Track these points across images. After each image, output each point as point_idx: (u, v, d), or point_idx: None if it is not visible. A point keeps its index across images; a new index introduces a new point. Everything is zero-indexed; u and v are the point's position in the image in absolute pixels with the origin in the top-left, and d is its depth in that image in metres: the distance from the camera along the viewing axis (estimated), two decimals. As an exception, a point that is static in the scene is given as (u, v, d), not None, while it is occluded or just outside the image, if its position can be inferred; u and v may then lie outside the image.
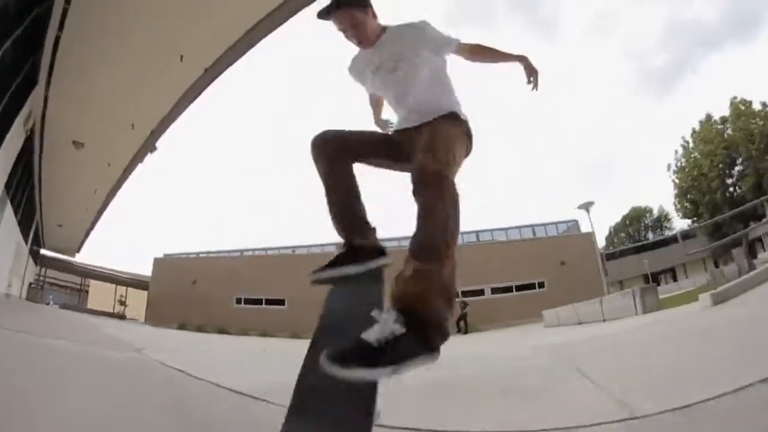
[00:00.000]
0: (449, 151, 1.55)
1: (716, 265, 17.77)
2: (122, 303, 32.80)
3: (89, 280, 34.57)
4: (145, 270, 29.95)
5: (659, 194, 77.42)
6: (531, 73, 1.84)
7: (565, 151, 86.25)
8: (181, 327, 18.80)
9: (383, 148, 1.84)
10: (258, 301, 24.00)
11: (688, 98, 79.33)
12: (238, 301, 24.26)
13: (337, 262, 1.62)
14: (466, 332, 15.53)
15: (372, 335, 1.18)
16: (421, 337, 1.21)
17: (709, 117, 20.24)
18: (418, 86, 1.80)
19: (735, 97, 19.24)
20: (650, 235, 46.03)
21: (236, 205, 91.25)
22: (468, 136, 1.77)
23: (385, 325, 1.20)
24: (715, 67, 75.38)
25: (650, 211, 47.05)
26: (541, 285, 23.45)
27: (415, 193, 1.40)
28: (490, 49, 1.90)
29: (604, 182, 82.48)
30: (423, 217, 1.37)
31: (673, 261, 31.34)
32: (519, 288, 23.71)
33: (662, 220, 45.72)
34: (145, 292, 29.14)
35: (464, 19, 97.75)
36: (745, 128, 18.70)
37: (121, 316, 27.44)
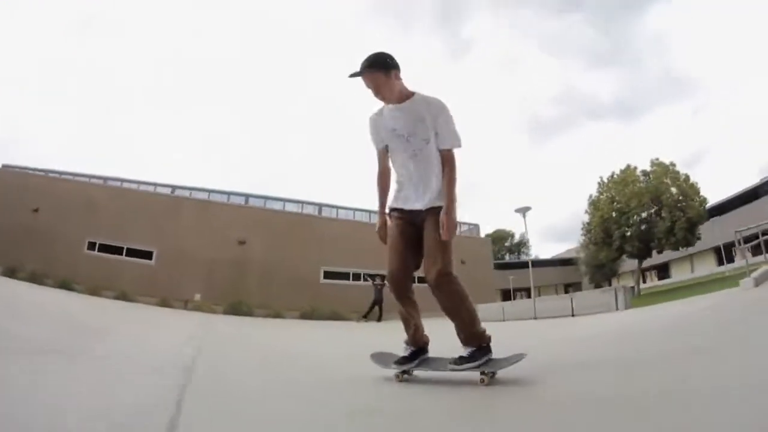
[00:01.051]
0: (446, 251, 2.25)
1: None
2: None
3: None
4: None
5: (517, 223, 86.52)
6: (443, 221, 2.23)
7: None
8: (9, 273, 13.38)
9: (410, 246, 2.37)
10: (118, 250, 17.56)
11: (561, 150, 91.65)
12: (92, 246, 17.38)
13: (409, 360, 2.41)
14: (380, 319, 13.59)
15: (463, 353, 2.23)
16: (480, 351, 2.22)
17: (629, 166, 23.57)
18: (432, 176, 2.29)
19: (656, 158, 23.12)
20: (507, 256, 53.77)
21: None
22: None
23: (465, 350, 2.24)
24: (593, 134, 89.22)
25: (512, 235, 55.68)
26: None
27: (433, 292, 2.25)
28: (451, 179, 2.27)
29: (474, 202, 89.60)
30: (449, 314, 2.28)
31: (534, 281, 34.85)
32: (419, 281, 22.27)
33: (521, 245, 53.63)
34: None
35: (386, 11, 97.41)
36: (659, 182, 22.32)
37: None
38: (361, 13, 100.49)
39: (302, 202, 26.36)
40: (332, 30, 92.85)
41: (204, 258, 17.89)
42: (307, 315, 16.10)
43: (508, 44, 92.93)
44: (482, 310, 13.77)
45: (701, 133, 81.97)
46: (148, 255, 17.78)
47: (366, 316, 13.90)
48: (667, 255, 26.01)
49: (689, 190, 21.65)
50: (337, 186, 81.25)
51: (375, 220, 2.70)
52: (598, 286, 32.38)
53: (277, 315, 15.71)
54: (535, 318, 11.88)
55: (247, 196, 26.13)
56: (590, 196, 24.50)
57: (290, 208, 25.05)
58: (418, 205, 2.31)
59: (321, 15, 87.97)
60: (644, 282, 32.65)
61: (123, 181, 24.15)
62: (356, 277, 20.46)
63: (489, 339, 2.26)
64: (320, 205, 26.62)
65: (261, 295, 17.09)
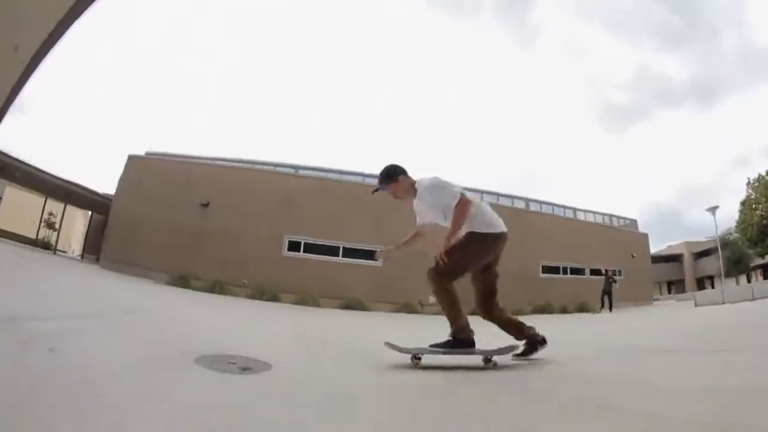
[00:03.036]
0: (449, 258, 2.84)
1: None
2: (51, 226, 23.59)
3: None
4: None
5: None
6: (444, 246, 2.91)
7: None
8: (180, 282, 12.73)
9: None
10: (331, 250, 15.15)
11: (637, 140, 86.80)
12: (294, 246, 15.14)
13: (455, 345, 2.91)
14: (611, 309, 15.57)
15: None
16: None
17: None
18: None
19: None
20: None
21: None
22: (481, 239, 2.96)
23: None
24: (669, 122, 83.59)
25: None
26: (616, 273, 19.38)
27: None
28: (454, 220, 2.93)
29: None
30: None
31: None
32: (593, 272, 20.15)
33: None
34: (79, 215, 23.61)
35: (450, 7, 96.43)
36: None
37: (48, 246, 20.57)
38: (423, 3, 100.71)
39: (512, 197, 25.36)
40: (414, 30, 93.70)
41: (430, 253, 16.11)
42: (538, 310, 15.91)
43: (575, 29, 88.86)
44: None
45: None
46: (369, 254, 14.29)
47: (603, 307, 15.89)
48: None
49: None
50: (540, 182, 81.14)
51: (582, 217, 10.15)
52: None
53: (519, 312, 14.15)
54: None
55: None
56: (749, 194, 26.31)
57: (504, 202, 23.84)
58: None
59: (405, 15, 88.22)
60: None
61: (313, 169, 20.72)
62: (572, 271, 20.39)
63: (462, 333, 2.88)
64: (527, 200, 26.09)
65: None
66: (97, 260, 22.54)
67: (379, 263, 4.96)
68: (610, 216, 30.02)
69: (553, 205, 26.76)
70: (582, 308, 16.86)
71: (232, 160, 19.65)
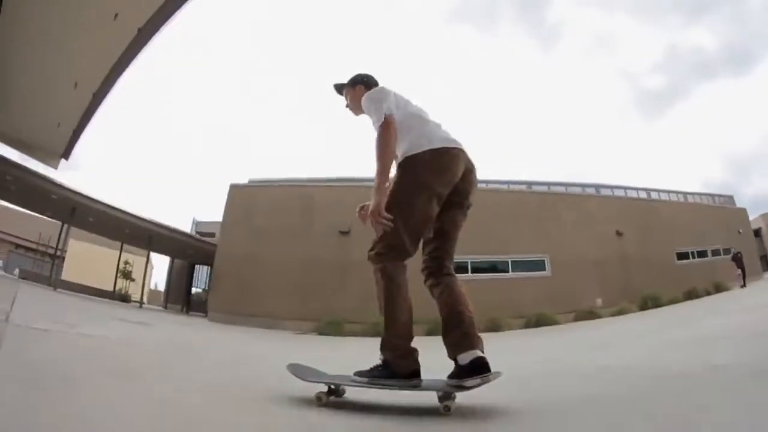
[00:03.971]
0: (380, 234, 1.87)
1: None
2: (127, 275, 21.91)
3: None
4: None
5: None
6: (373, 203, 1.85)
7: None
8: (333, 328, 10.71)
9: None
10: (498, 266, 14.04)
11: (678, 123, 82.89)
12: (461, 268, 12.88)
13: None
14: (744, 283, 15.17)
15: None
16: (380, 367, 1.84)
17: None
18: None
19: None
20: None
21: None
22: (414, 164, 1.87)
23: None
24: (708, 96, 79.25)
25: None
26: (727, 251, 18.61)
27: None
28: (377, 163, 1.87)
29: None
30: None
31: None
32: (713, 253, 19.21)
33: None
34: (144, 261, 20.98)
35: (466, 18, 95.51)
36: None
37: (126, 298, 20.60)
38: (444, 13, 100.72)
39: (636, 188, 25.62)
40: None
41: (593, 258, 14.90)
42: (689, 296, 13.90)
43: (598, 21, 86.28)
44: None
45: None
46: (540, 265, 14.38)
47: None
48: None
49: None
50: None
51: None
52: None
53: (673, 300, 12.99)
54: None
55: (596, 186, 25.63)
56: None
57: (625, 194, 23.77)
58: None
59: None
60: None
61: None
62: (699, 254, 18.97)
63: (402, 362, 1.79)
64: (649, 190, 26.01)
65: (646, 289, 13.58)
66: (185, 310, 20.32)
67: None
68: (708, 195, 29.79)
69: (659, 191, 26.43)
70: (719, 288, 15.21)
71: (356, 179, 17.51)
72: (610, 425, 1.38)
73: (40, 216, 27.20)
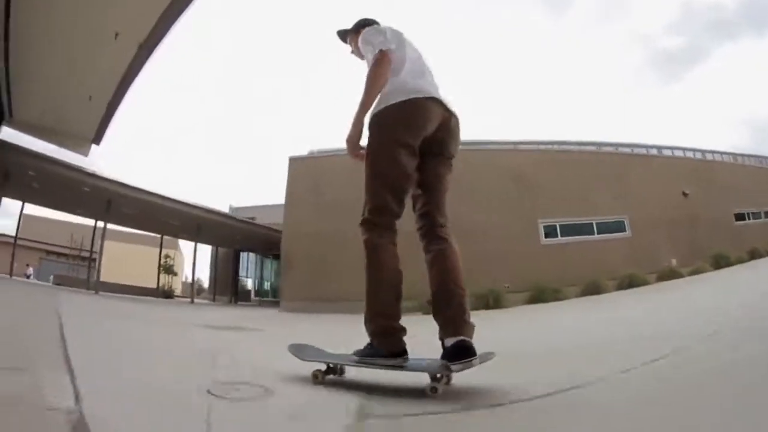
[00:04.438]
0: (367, 187, 1.84)
1: None
2: (169, 270, 20.86)
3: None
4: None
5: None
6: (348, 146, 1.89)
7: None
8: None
9: None
10: (584, 228, 13.22)
11: (698, 85, 78.58)
12: (551, 231, 13.10)
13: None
14: None
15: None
16: (369, 348, 1.77)
17: None
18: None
19: None
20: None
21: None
22: (383, 118, 1.81)
23: None
24: (729, 57, 74.37)
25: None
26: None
27: None
28: (362, 97, 1.83)
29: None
30: None
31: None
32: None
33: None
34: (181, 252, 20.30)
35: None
36: None
37: (169, 294, 19.44)
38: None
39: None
40: None
41: (665, 217, 14.04)
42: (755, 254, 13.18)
43: None
44: None
45: None
46: (620, 226, 13.71)
47: None
48: None
49: None
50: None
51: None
52: None
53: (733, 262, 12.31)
54: None
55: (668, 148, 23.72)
56: None
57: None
58: None
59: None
60: None
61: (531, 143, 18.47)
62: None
63: (383, 340, 1.72)
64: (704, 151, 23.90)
65: (711, 249, 12.91)
66: (233, 301, 19.14)
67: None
68: (760, 157, 27.69)
69: (713, 152, 24.70)
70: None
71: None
72: None
73: (68, 220, 26.59)
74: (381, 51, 1.82)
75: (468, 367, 1.56)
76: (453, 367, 1.53)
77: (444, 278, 1.75)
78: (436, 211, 1.87)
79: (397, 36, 1.96)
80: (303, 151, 16.24)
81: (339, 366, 1.89)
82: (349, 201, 12.87)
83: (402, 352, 1.69)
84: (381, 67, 1.80)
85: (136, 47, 8.70)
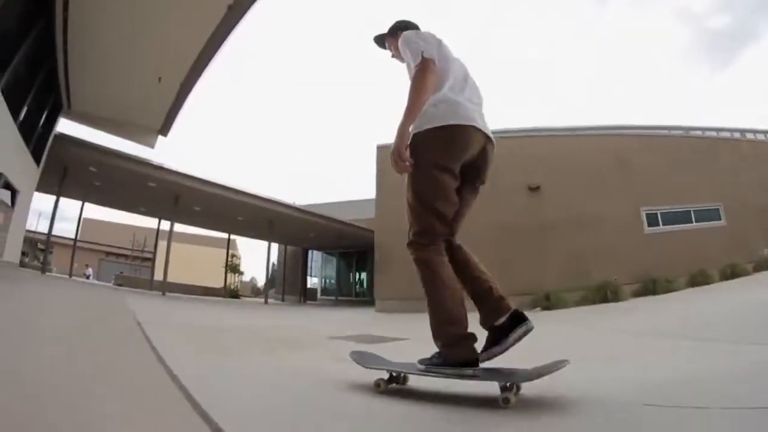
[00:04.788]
0: (411, 210, 1.87)
1: None
2: (235, 269, 20.45)
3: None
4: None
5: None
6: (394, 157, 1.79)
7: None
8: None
9: None
10: (683, 216, 12.43)
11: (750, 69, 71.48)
12: (652, 220, 12.19)
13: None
14: None
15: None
16: (439, 356, 1.77)
17: None
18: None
19: None
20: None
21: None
22: (422, 142, 1.79)
23: None
24: None
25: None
26: None
27: None
28: (407, 106, 1.77)
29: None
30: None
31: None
32: None
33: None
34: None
35: None
36: None
37: (235, 294, 18.80)
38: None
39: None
40: None
41: (756, 204, 12.73)
42: None
43: None
44: None
45: None
46: (714, 214, 12.84)
47: None
48: None
49: None
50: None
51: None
52: None
53: None
54: None
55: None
56: None
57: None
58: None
59: None
60: None
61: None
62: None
63: (457, 349, 1.69)
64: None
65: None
66: (303, 301, 18.16)
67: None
68: None
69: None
70: None
71: (539, 129, 15.40)
72: None
73: (126, 222, 26.50)
74: (424, 58, 1.79)
75: (526, 333, 1.62)
76: (513, 336, 1.61)
77: (476, 276, 1.80)
78: (452, 236, 1.90)
79: (439, 44, 1.92)
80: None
81: (402, 375, 1.88)
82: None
83: (474, 362, 1.65)
84: (426, 76, 1.78)
85: (225, 8, 7.02)
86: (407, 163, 1.75)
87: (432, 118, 1.77)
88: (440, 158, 1.75)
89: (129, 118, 10.68)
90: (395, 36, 2.09)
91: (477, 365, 1.64)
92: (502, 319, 1.65)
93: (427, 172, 1.76)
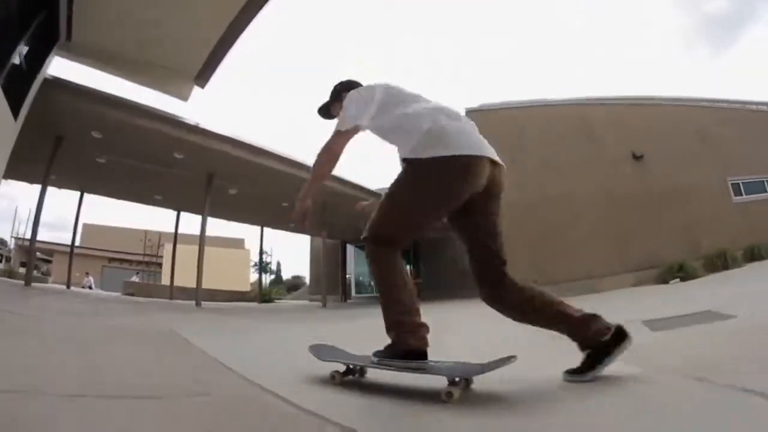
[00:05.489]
0: (378, 213, 1.78)
1: None
2: (265, 268, 20.57)
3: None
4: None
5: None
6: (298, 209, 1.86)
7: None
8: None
9: None
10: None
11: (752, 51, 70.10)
12: (738, 189, 11.77)
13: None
14: None
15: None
16: (390, 348, 1.75)
17: None
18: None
19: None
20: None
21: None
22: (426, 169, 1.70)
23: None
24: None
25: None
26: None
27: None
28: (312, 172, 1.88)
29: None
30: None
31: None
32: None
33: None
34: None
35: None
36: None
37: (269, 299, 16.17)
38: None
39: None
40: None
41: None
42: None
43: None
44: None
45: None
46: None
47: None
48: None
49: None
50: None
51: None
52: None
53: None
54: None
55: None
56: None
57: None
58: None
59: None
60: None
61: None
62: None
63: (409, 336, 1.69)
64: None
65: None
66: (344, 300, 15.87)
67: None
68: None
69: None
70: None
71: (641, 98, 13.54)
72: None
73: (128, 227, 23.95)
74: (345, 129, 1.79)
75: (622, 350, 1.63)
76: (616, 353, 1.61)
77: (549, 308, 1.73)
78: (503, 266, 1.82)
79: (397, 92, 1.88)
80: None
81: (359, 367, 1.90)
82: (548, 161, 10.97)
83: (422, 354, 1.67)
84: (336, 144, 1.80)
85: None
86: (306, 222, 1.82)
87: (431, 143, 1.71)
88: (439, 192, 1.70)
89: (155, 58, 7.60)
90: (340, 100, 2.01)
91: (425, 357, 1.65)
92: (610, 333, 1.64)
93: (419, 199, 1.72)
